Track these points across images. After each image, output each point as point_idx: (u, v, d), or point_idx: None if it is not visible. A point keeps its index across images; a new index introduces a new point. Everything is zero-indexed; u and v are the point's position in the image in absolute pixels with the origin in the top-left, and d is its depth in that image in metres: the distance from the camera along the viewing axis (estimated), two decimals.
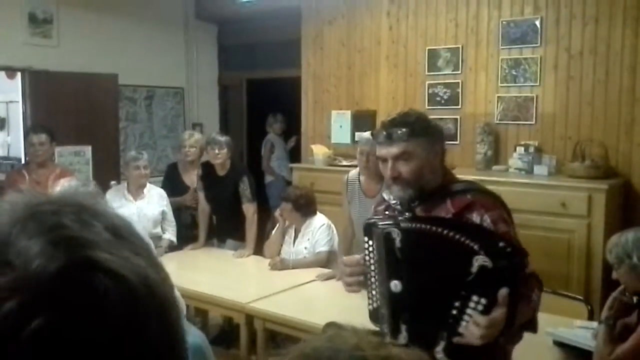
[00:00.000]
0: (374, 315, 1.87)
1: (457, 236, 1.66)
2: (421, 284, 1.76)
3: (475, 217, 1.82)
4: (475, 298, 1.62)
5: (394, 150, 1.85)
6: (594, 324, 2.56)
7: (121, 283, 0.44)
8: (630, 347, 2.14)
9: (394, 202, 1.94)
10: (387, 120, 1.95)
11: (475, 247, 1.62)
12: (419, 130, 1.86)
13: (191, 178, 4.68)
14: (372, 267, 1.84)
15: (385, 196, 2.03)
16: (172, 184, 4.67)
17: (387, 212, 1.98)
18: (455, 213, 1.83)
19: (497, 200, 1.91)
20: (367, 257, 1.85)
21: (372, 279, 1.85)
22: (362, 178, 3.61)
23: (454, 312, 1.66)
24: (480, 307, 1.61)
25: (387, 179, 1.90)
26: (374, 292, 1.85)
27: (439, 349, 1.69)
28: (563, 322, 2.67)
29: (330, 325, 2.61)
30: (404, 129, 1.85)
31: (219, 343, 4.17)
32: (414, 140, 1.84)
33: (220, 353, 3.85)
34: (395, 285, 1.77)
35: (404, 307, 1.78)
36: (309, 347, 0.88)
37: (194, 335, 2.15)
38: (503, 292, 1.58)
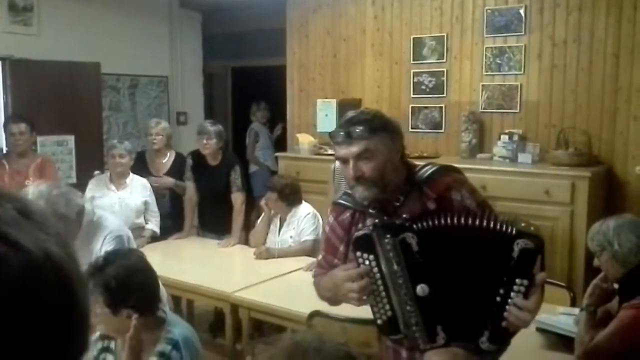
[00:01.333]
0: (387, 327, 1.81)
1: (489, 225, 1.69)
2: (451, 280, 1.74)
3: (455, 195, 1.82)
4: (518, 281, 1.66)
5: (354, 149, 1.78)
6: (577, 310, 2.58)
7: (19, 251, 0.52)
8: (610, 332, 2.16)
9: (369, 207, 1.86)
10: (343, 119, 1.87)
11: (513, 232, 1.66)
12: (379, 126, 1.80)
13: (156, 167, 4.60)
14: (375, 279, 1.77)
15: (344, 202, 1.95)
16: (139, 173, 4.55)
17: (355, 219, 1.91)
18: (437, 197, 1.82)
19: (460, 172, 1.96)
20: (368, 271, 1.77)
21: (377, 291, 1.78)
22: None
23: (498, 299, 1.69)
24: (522, 289, 1.66)
25: (350, 180, 1.83)
26: (381, 305, 1.79)
27: (484, 339, 1.71)
28: (546, 308, 2.67)
29: (315, 314, 2.62)
30: (363, 126, 1.78)
31: (209, 332, 4.18)
32: (375, 137, 1.78)
33: (207, 342, 3.85)
34: (422, 289, 1.73)
35: (437, 308, 1.75)
36: (299, 336, 0.91)
37: (181, 326, 2.14)
38: (543, 274, 1.66)
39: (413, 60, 5.12)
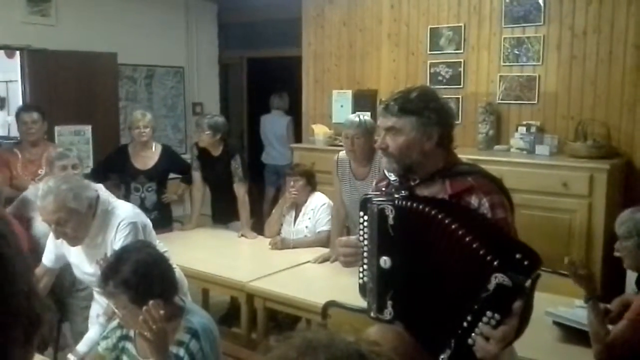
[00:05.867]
0: (363, 289, 1.89)
1: (471, 241, 1.60)
2: (413, 266, 1.75)
3: (474, 201, 1.79)
4: (489, 314, 1.59)
5: (385, 122, 1.88)
6: None
7: None
8: (625, 325, 2.14)
9: (393, 179, 1.94)
10: (397, 91, 1.97)
11: (495, 263, 1.56)
12: (412, 108, 1.83)
13: (143, 161, 4.44)
14: (366, 242, 1.86)
15: (385, 172, 2.03)
16: (122, 168, 4.41)
17: (384, 189, 1.98)
18: (453, 195, 1.81)
19: (498, 185, 1.88)
20: (361, 232, 1.87)
21: (365, 254, 1.86)
22: (351, 161, 3.61)
23: (465, 324, 1.62)
24: (493, 322, 1.58)
25: (377, 147, 1.95)
26: (365, 267, 1.87)
27: (444, 356, 1.68)
28: (563, 301, 2.68)
29: (330, 304, 2.62)
30: (397, 104, 1.85)
31: (223, 322, 4.20)
32: (404, 118, 1.83)
33: (223, 332, 3.88)
34: (385, 261, 1.79)
35: (392, 284, 1.79)
36: (310, 334, 0.92)
37: (201, 316, 2.15)
38: (517, 305, 1.55)
39: (430, 50, 5.08)
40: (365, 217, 1.84)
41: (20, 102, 5.43)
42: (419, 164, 1.86)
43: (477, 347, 1.61)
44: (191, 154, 4.58)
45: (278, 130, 6.61)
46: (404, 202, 1.76)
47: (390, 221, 1.76)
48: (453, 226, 1.64)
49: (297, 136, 6.23)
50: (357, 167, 3.56)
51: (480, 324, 1.60)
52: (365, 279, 1.87)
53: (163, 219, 4.46)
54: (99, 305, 2.73)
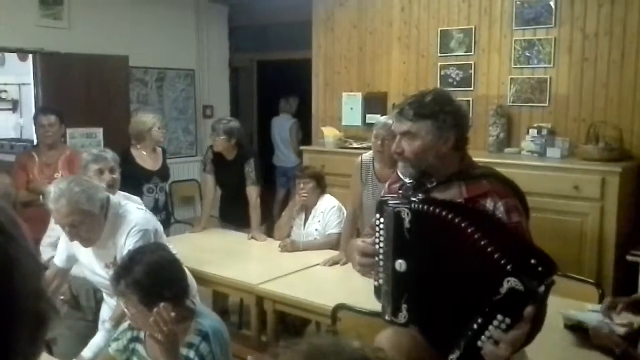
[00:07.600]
0: (378, 292, 1.89)
1: (486, 245, 1.59)
2: (429, 269, 1.75)
3: (489, 204, 1.79)
4: (500, 317, 1.57)
5: (400, 127, 1.88)
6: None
7: None
8: None
9: (409, 182, 1.93)
10: (410, 95, 1.96)
11: (509, 267, 1.54)
12: (428, 113, 1.83)
13: (152, 163, 4.43)
14: (381, 245, 1.85)
15: (401, 175, 2.02)
16: (129, 174, 4.05)
17: (400, 191, 1.97)
18: (468, 199, 1.81)
19: (513, 188, 1.88)
20: (376, 235, 1.86)
21: (380, 256, 1.85)
22: (376, 163, 3.59)
23: (475, 326, 1.61)
24: (503, 327, 1.57)
25: (393, 152, 1.94)
26: (381, 270, 1.86)
27: (454, 357, 1.67)
28: (574, 305, 2.66)
29: (340, 307, 2.62)
30: (412, 109, 1.84)
31: (233, 325, 4.21)
32: (420, 123, 1.83)
33: (233, 334, 3.88)
34: (401, 265, 1.78)
35: (407, 287, 1.79)
36: (317, 340, 0.93)
37: (211, 318, 2.16)
38: (529, 311, 1.53)
39: (440, 53, 5.07)
40: (382, 220, 1.83)
41: (33, 105, 5.48)
42: (435, 167, 1.86)
43: (486, 350, 1.60)
44: (205, 157, 4.61)
45: (283, 133, 6.74)
46: (420, 206, 1.75)
47: (407, 225, 1.76)
48: (469, 230, 1.63)
49: (307, 139, 6.24)
50: (382, 168, 3.52)
51: (490, 327, 1.59)
52: (381, 281, 1.86)
53: (168, 219, 4.57)
54: (108, 307, 2.74)
